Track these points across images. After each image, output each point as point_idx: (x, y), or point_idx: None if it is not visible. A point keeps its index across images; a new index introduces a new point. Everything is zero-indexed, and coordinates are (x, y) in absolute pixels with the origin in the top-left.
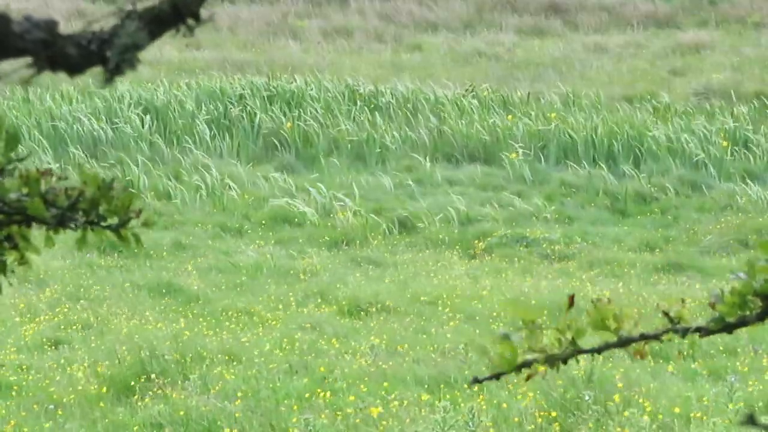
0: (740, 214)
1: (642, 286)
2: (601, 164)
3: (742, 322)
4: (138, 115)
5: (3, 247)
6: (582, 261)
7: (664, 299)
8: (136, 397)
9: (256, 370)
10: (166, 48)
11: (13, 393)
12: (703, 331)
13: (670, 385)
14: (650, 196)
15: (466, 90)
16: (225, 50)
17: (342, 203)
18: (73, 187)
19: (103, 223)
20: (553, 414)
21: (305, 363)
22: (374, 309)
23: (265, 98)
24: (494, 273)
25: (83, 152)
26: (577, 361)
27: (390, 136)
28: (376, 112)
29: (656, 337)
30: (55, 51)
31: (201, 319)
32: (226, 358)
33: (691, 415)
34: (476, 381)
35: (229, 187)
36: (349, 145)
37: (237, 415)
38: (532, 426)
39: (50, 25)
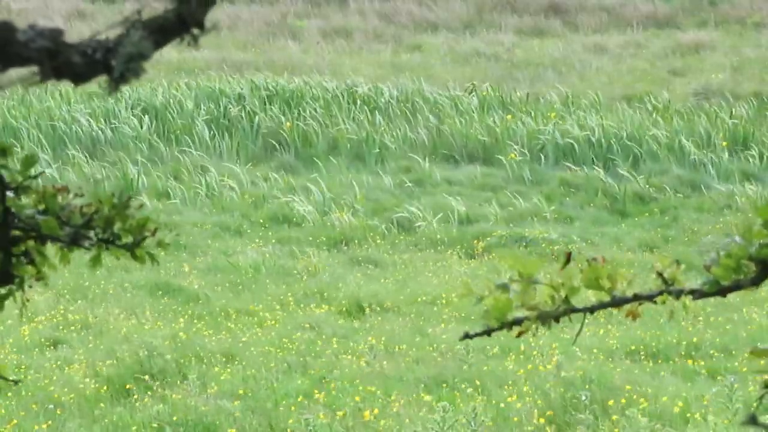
0: (739, 215)
1: (641, 287)
2: (601, 164)
3: (737, 286)
4: (137, 115)
5: (20, 263)
6: (581, 261)
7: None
8: (135, 397)
9: (255, 370)
10: (165, 48)
11: (9, 393)
12: (697, 294)
13: (669, 385)
14: (649, 196)
15: (466, 90)
16: (224, 50)
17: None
18: (88, 205)
19: (117, 242)
20: (552, 414)
21: (304, 363)
22: (373, 309)
23: (265, 98)
24: (493, 273)
25: (82, 152)
26: (570, 319)
27: (389, 136)
28: (376, 112)
29: (650, 298)
30: (59, 60)
31: (200, 319)
32: (225, 358)
33: (689, 415)
34: (467, 336)
35: (229, 187)
36: (349, 145)
37: (236, 415)
38: (531, 426)
39: (55, 34)
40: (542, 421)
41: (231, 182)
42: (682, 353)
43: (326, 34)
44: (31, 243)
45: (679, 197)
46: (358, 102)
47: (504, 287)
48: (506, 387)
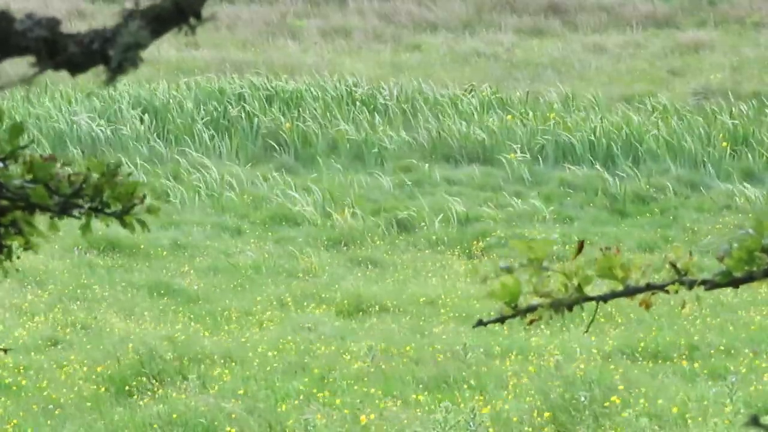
0: (739, 214)
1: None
2: (600, 164)
3: (749, 277)
4: (137, 115)
5: (8, 233)
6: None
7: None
8: (134, 397)
9: (255, 370)
10: (164, 48)
11: (9, 393)
12: (709, 284)
13: (669, 386)
14: (649, 196)
15: (465, 90)
16: (224, 50)
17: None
18: (77, 174)
19: (107, 210)
20: (552, 415)
21: (304, 363)
22: (373, 309)
23: (264, 98)
24: (493, 273)
25: (82, 152)
26: (582, 308)
27: (389, 137)
28: (375, 113)
29: (663, 287)
30: (57, 49)
31: (200, 320)
32: (225, 358)
33: (689, 415)
34: (480, 323)
35: (228, 187)
36: (348, 146)
37: (235, 415)
38: (531, 427)
39: (52, 24)
40: (542, 421)
41: (231, 182)
42: (682, 354)
43: (326, 33)
44: (19, 213)
45: (678, 197)
46: (358, 102)
47: (508, 270)
48: (506, 387)
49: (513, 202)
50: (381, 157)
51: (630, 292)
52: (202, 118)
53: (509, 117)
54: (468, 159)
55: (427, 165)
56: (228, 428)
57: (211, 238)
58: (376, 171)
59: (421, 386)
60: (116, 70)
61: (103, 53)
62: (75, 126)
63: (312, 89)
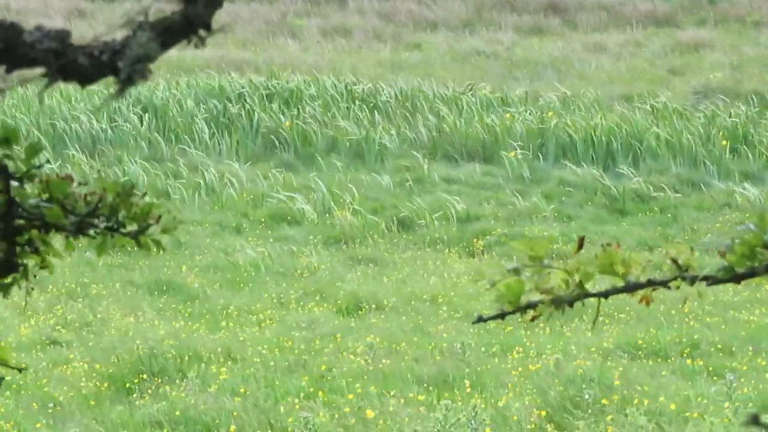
0: (739, 213)
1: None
2: (600, 163)
3: (751, 273)
4: (137, 113)
5: (24, 252)
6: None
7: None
8: (134, 395)
9: (255, 368)
10: None
11: (8, 393)
12: (711, 280)
13: (669, 384)
14: (649, 195)
15: (465, 89)
16: (224, 49)
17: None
18: (93, 193)
19: (122, 230)
20: (552, 413)
21: (304, 361)
22: (373, 308)
23: (264, 97)
24: (498, 275)
25: (82, 151)
26: (583, 304)
27: (389, 135)
28: (375, 111)
29: (664, 283)
30: (66, 61)
31: (200, 318)
32: (225, 356)
33: (689, 414)
34: (480, 320)
35: (228, 185)
36: (348, 144)
37: (235, 413)
38: (531, 425)
39: (62, 35)
40: (541, 420)
41: (231, 181)
42: (682, 352)
43: (326, 32)
44: (35, 232)
45: (678, 196)
46: (358, 101)
47: (516, 271)
48: (505, 386)
49: (513, 201)
50: (381, 155)
51: (631, 288)
52: (203, 117)
53: (509, 116)
54: (468, 157)
55: (427, 163)
56: (228, 426)
57: (211, 236)
58: (376, 169)
59: (421, 385)
60: (126, 82)
61: (113, 65)
62: (75, 124)
63: (312, 87)
